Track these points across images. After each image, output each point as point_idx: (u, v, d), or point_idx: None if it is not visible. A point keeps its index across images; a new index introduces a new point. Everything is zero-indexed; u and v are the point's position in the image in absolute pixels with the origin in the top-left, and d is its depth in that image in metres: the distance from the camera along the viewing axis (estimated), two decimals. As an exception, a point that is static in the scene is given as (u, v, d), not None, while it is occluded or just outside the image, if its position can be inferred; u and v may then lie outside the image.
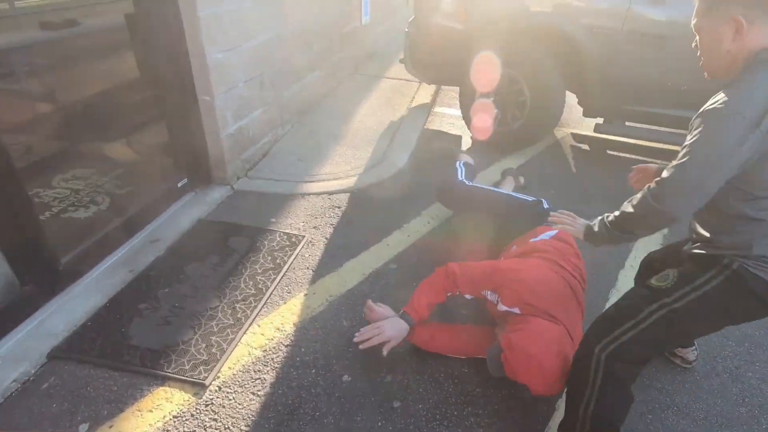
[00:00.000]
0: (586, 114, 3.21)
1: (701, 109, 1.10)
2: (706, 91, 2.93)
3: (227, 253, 2.21)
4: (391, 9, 6.31)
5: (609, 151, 3.52)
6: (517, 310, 1.53)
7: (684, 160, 1.08)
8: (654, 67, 2.83)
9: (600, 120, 3.21)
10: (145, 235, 2.31)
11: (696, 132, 1.08)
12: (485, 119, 3.10)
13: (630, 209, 1.22)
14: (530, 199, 2.05)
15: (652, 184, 1.16)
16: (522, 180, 2.63)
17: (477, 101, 3.08)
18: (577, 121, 3.92)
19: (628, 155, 3.46)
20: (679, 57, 2.75)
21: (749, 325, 1.98)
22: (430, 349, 1.74)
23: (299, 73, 3.54)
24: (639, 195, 1.21)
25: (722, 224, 1.20)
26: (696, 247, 1.27)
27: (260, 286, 2.03)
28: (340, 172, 2.96)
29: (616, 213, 1.29)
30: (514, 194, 2.10)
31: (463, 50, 3.13)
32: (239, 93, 2.68)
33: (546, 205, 2.02)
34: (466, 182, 2.39)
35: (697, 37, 1.22)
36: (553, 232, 1.80)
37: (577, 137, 3.72)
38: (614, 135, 3.18)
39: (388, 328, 1.62)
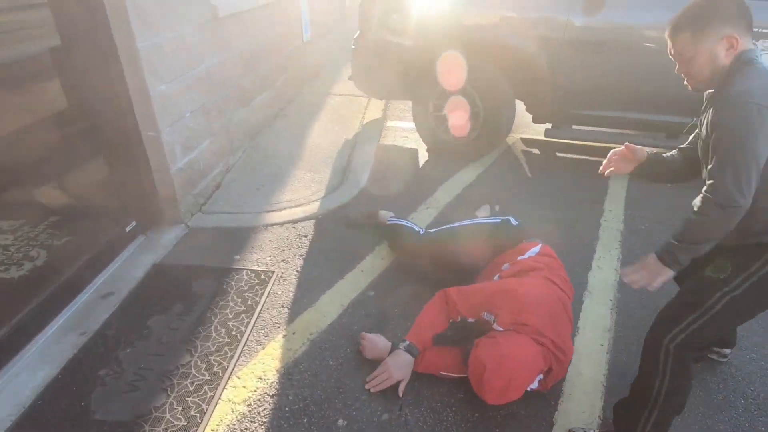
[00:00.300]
0: (536, 120, 3.32)
1: (719, 112, 1.20)
2: (643, 92, 3.11)
3: (192, 300, 2.05)
4: (330, 25, 6.27)
5: (558, 154, 3.66)
6: (511, 329, 1.53)
7: (728, 157, 1.16)
8: (595, 73, 2.98)
9: (549, 125, 3.33)
10: (94, 289, 2.10)
11: (726, 128, 1.17)
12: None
13: (702, 223, 1.22)
14: (498, 219, 2.07)
15: (708, 194, 1.20)
16: (497, 208, 2.66)
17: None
18: (525, 126, 4.06)
19: (575, 156, 3.62)
20: (616, 61, 2.92)
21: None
22: (421, 369, 1.70)
23: (246, 97, 3.39)
24: (699, 207, 1.21)
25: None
26: (742, 239, 1.31)
27: (234, 332, 1.88)
28: (301, 198, 2.85)
29: (682, 232, 1.26)
30: (480, 220, 2.12)
31: (413, 66, 3.14)
32: (186, 124, 2.51)
33: (514, 222, 2.05)
34: (429, 231, 2.26)
35: (683, 63, 1.31)
36: (537, 248, 1.83)
37: (526, 142, 3.85)
38: (563, 138, 3.32)
39: (394, 368, 1.63)
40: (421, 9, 3.06)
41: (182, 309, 2.00)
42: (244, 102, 3.36)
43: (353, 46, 3.55)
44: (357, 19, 3.44)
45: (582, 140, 3.46)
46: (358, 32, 3.51)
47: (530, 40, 2.95)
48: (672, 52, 1.34)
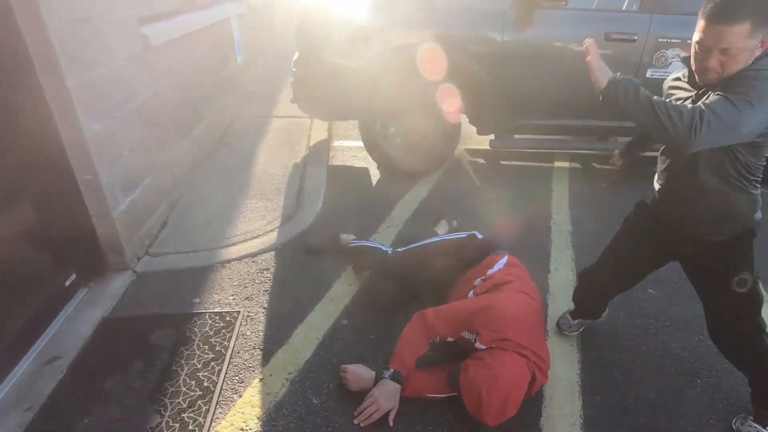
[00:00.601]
0: (480, 132, 3.45)
1: (750, 74, 1.20)
2: (573, 100, 3.33)
3: (153, 353, 1.89)
4: (263, 44, 6.15)
5: (502, 162, 3.83)
6: (493, 346, 1.56)
7: (741, 106, 1.16)
8: (529, 84, 3.16)
9: (492, 136, 3.47)
10: (35, 355, 1.87)
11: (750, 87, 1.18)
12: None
13: (672, 108, 1.18)
14: (464, 234, 2.12)
15: (705, 108, 1.17)
16: (455, 223, 2.70)
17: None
18: (467, 137, 4.20)
19: (518, 162, 3.81)
20: (547, 73, 3.12)
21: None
22: (408, 394, 1.68)
23: (186, 127, 3.23)
24: (687, 105, 1.19)
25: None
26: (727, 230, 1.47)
27: (206, 383, 1.76)
28: (257, 229, 2.74)
29: (656, 98, 1.22)
30: (446, 237, 2.16)
31: (358, 86, 3.15)
32: (126, 163, 2.34)
33: (480, 236, 2.11)
34: (397, 251, 2.25)
35: (721, 55, 1.23)
36: (504, 259, 1.89)
37: (471, 152, 3.99)
38: (507, 148, 3.48)
39: (382, 398, 1.60)
40: (362, 31, 3.08)
41: (143, 365, 1.84)
42: (184, 132, 3.19)
43: (294, 69, 3.50)
44: (295, 40, 3.40)
45: (524, 148, 3.64)
46: (297, 54, 3.47)
47: (469, 56, 3.07)
48: (712, 41, 1.21)
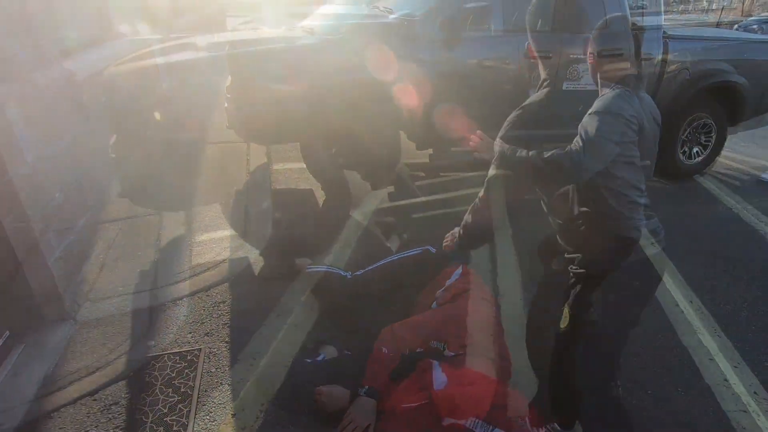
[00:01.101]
0: (419, 148, 3.61)
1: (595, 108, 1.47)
2: (500, 111, 3.56)
3: (110, 404, 1.78)
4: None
5: (441, 174, 4.02)
6: (461, 352, 1.66)
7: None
8: (459, 99, 3.36)
9: (431, 150, 3.64)
10: (-29, 427, 1.69)
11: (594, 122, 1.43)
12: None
13: (560, 158, 1.42)
14: (418, 250, 2.22)
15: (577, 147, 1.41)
16: (405, 236, 2.79)
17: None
18: (405, 153, 4.35)
19: (456, 174, 4.01)
20: (477, 88, 3.35)
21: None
22: (385, 407, 1.72)
23: (118, 162, 3.07)
24: (562, 152, 1.42)
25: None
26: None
27: (175, 427, 1.69)
28: (205, 262, 2.66)
29: (545, 155, 1.47)
30: (402, 254, 2.25)
31: (299, 109, 3.18)
32: (58, 206, 2.19)
33: (433, 250, 2.22)
34: (356, 274, 2.29)
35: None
36: (459, 270, 2.01)
37: (411, 167, 4.14)
38: (446, 161, 3.66)
39: (360, 416, 1.62)
40: (297, 56, 3.12)
41: (101, 418, 1.72)
42: (116, 166, 3.03)
43: (228, 95, 3.45)
44: (226, 65, 3.35)
45: (462, 160, 3.83)
46: (229, 79, 3.43)
47: (404, 76, 3.20)
48: None
